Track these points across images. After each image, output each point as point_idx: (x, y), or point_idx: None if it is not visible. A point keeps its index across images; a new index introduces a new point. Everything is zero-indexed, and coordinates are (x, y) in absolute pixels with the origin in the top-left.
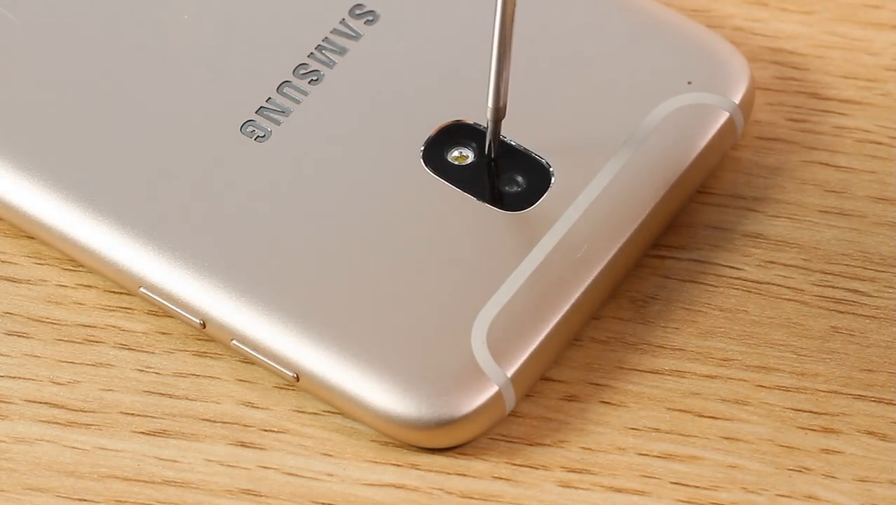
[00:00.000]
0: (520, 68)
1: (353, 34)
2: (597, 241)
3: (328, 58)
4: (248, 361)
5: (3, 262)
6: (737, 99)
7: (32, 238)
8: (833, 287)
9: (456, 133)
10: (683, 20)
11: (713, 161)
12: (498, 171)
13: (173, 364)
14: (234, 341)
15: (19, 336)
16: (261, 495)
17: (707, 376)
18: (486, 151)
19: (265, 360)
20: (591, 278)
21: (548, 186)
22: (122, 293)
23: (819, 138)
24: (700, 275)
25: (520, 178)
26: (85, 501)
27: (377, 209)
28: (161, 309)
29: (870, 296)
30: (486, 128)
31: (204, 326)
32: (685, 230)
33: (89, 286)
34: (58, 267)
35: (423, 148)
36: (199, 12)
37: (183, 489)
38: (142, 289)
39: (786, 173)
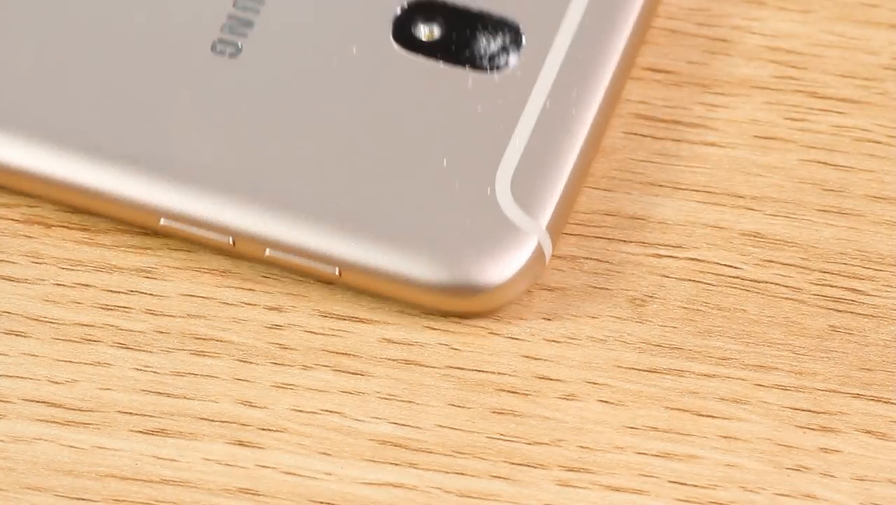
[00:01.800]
0: None
1: None
2: (586, 75)
3: None
4: (283, 267)
5: (0, 260)
6: None
7: (34, 197)
8: (831, 286)
9: (418, 12)
10: None
11: None
12: (471, 39)
13: (171, 363)
14: (268, 251)
15: (17, 335)
16: (259, 494)
17: (705, 375)
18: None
19: (304, 262)
20: (594, 108)
21: (521, 41)
22: (119, 292)
23: (817, 137)
24: (698, 274)
25: (493, 41)
26: (83, 500)
27: (367, 99)
28: (186, 237)
29: (868, 295)
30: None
31: (234, 243)
32: (683, 229)
33: (87, 285)
34: (55, 266)
35: (392, 31)
36: None
37: (181, 488)
38: (163, 220)
39: (784, 172)
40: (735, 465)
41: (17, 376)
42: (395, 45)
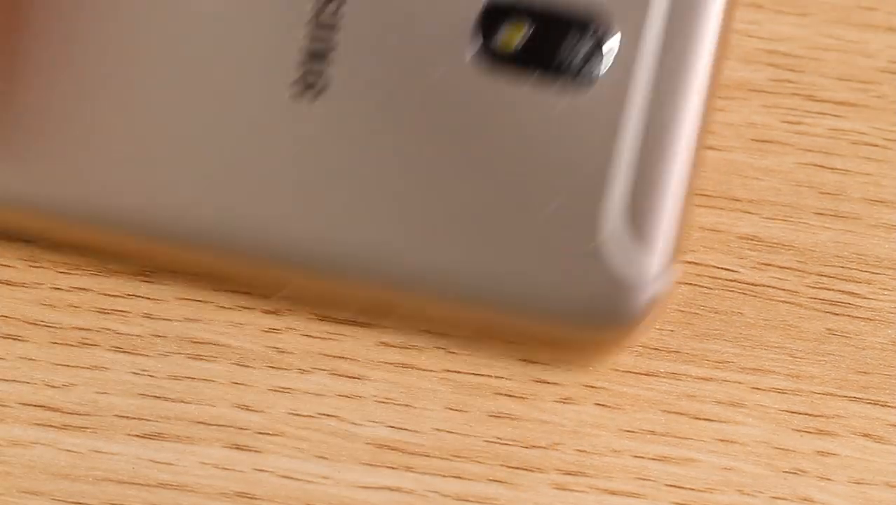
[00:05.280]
0: None
1: None
2: (679, 76)
3: None
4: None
5: None
6: None
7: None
8: (828, 289)
9: (497, 18)
10: None
11: None
12: (557, 46)
13: (168, 367)
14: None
15: (14, 339)
16: (256, 498)
17: (702, 379)
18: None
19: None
20: (696, 115)
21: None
22: (116, 295)
23: (814, 140)
24: (695, 277)
25: (579, 46)
26: (80, 504)
27: (460, 130)
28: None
29: (865, 298)
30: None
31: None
32: None
33: (84, 289)
34: (53, 270)
35: (471, 41)
36: None
37: (178, 492)
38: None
39: (781, 175)
40: (732, 468)
41: (14, 380)
42: (473, 65)
